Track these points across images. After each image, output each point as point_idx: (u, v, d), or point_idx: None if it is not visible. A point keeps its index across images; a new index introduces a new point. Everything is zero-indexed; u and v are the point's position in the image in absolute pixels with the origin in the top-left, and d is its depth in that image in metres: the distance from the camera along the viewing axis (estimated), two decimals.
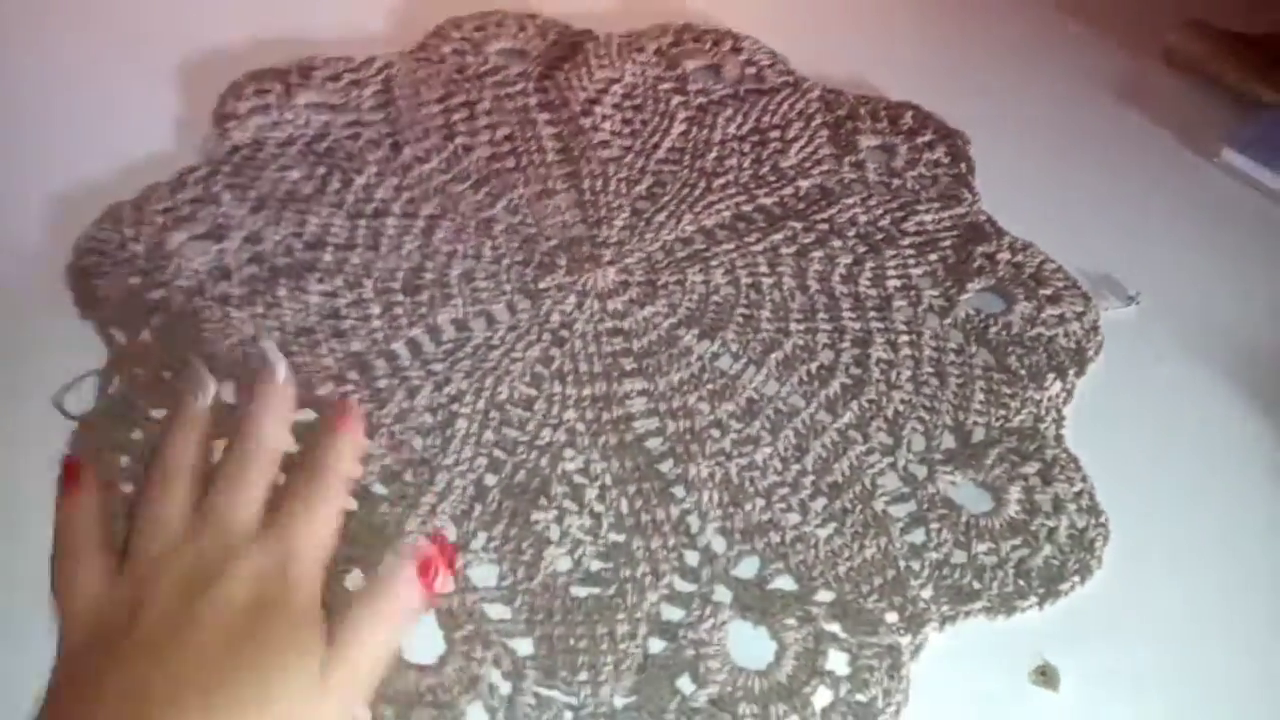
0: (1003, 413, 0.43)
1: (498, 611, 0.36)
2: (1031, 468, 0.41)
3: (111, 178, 0.50)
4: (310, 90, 0.54)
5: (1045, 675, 0.36)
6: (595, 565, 0.37)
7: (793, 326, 0.46)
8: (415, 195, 0.50)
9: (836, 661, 0.35)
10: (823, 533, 0.38)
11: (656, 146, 0.54)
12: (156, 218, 0.47)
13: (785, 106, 0.57)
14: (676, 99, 0.57)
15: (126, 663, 0.28)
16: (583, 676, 0.34)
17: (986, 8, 0.69)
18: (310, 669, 0.29)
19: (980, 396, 0.44)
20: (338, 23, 0.60)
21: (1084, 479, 0.41)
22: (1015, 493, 0.40)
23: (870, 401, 0.43)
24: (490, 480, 0.39)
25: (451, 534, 0.38)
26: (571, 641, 0.35)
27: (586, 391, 0.42)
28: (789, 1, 0.68)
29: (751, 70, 0.59)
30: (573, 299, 0.46)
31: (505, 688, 0.34)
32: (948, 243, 0.50)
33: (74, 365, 0.41)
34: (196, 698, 0.28)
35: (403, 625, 0.32)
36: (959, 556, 0.38)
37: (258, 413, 0.35)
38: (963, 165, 0.55)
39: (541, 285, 0.46)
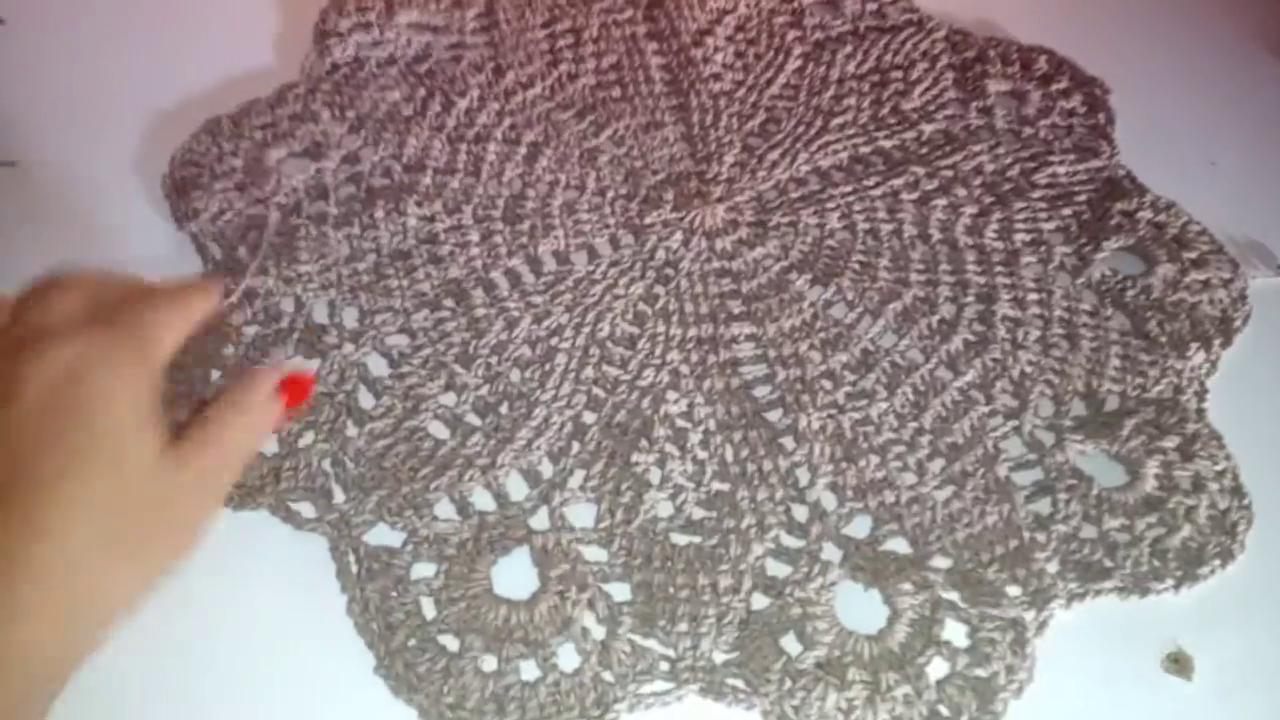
0: (1140, 381, 0.40)
1: (594, 554, 0.34)
2: (1171, 442, 0.38)
3: (211, 92, 0.49)
4: (412, 9, 0.52)
5: (1178, 663, 0.33)
6: (697, 513, 0.35)
7: (913, 277, 0.43)
8: (517, 122, 0.48)
9: (954, 632, 0.33)
10: (940, 495, 0.36)
11: (770, 82, 0.51)
12: (255, 133, 0.46)
13: (908, 46, 0.53)
14: (792, 34, 0.53)
15: None
16: (682, 628, 0.32)
17: None
18: (143, 451, 0.25)
19: (1115, 363, 0.40)
20: None
21: (1227, 457, 0.38)
22: (1153, 467, 0.37)
23: (995, 361, 0.40)
24: (589, 418, 0.38)
25: (548, 470, 0.36)
26: (671, 590, 0.33)
27: (692, 333, 0.40)
28: None
29: (873, 6, 0.55)
30: (679, 236, 0.44)
31: (599, 633, 0.32)
32: (1083, 197, 0.47)
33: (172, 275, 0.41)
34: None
35: (257, 437, 0.29)
36: (1089, 531, 0.35)
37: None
38: (1101, 115, 0.50)
39: (647, 220, 0.44)
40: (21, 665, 0.23)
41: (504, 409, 0.37)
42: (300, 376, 0.29)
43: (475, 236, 0.43)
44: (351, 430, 0.37)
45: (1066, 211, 0.46)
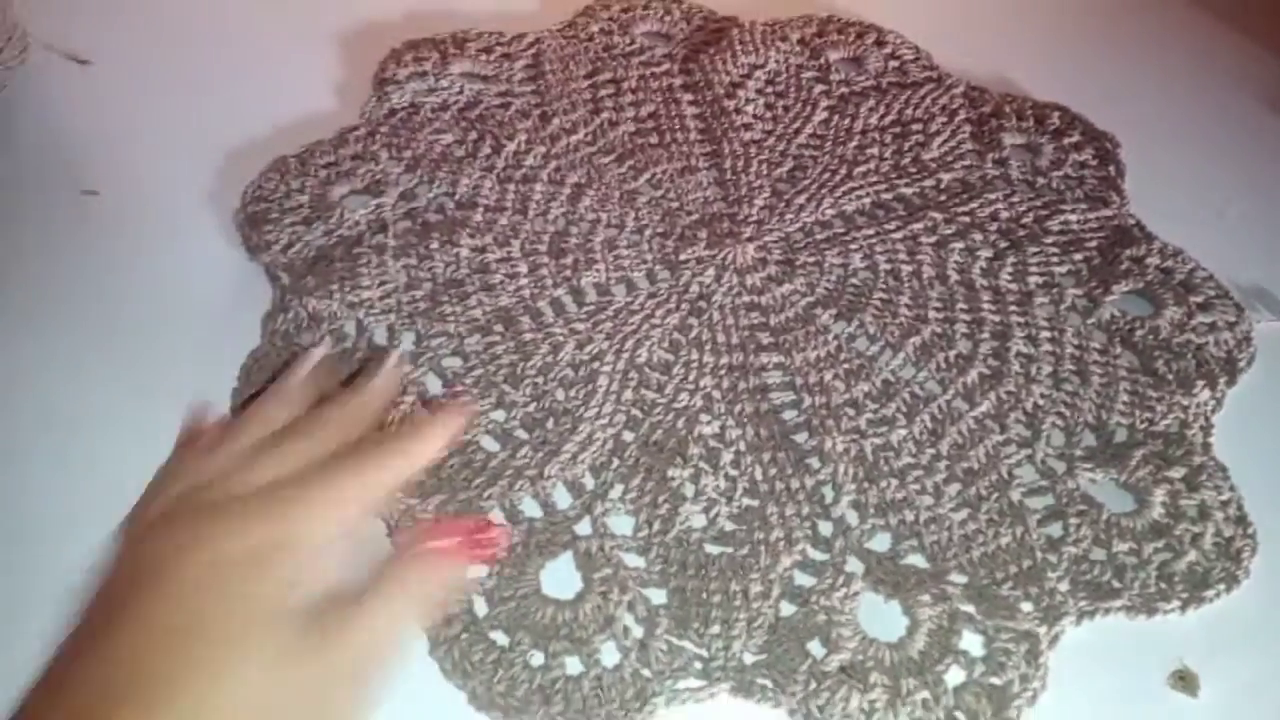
0: (1148, 415, 0.42)
1: (633, 561, 0.36)
2: (1177, 472, 0.40)
3: (278, 135, 0.52)
4: (464, 60, 0.56)
5: (1185, 680, 0.35)
6: (729, 526, 0.38)
7: (931, 314, 0.45)
8: (562, 164, 0.51)
9: (971, 643, 0.35)
10: (957, 516, 0.38)
11: (798, 132, 0.54)
12: (320, 171, 0.49)
13: (928, 101, 0.56)
14: (819, 87, 0.57)
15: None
16: (715, 630, 0.34)
17: (1136, 12, 0.67)
18: (272, 652, 0.25)
19: (1124, 398, 0.43)
20: (489, 1, 0.62)
21: (1232, 488, 0.40)
22: (1159, 495, 0.39)
23: (1009, 393, 0.42)
24: (628, 437, 0.40)
25: (590, 483, 0.39)
26: (704, 595, 0.35)
27: (724, 360, 0.43)
28: None
29: (895, 64, 0.59)
30: (712, 272, 0.47)
31: (638, 632, 0.34)
32: (1093, 243, 0.49)
33: (242, 303, 0.44)
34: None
35: (431, 604, 0.29)
36: (1098, 554, 0.37)
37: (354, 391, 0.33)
38: (1111, 168, 0.53)
39: (682, 257, 0.47)
40: None
41: (550, 424, 0.40)
42: (483, 528, 0.28)
43: (523, 268, 0.46)
44: None
45: (1078, 256, 0.49)
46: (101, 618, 0.25)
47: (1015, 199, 0.51)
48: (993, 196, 0.51)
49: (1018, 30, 0.65)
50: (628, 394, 0.41)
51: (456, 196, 0.49)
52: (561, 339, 0.43)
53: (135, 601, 0.25)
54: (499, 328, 0.44)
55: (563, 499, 0.38)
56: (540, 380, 0.42)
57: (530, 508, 0.38)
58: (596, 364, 0.42)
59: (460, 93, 0.55)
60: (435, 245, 0.46)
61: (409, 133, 0.52)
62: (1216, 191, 0.54)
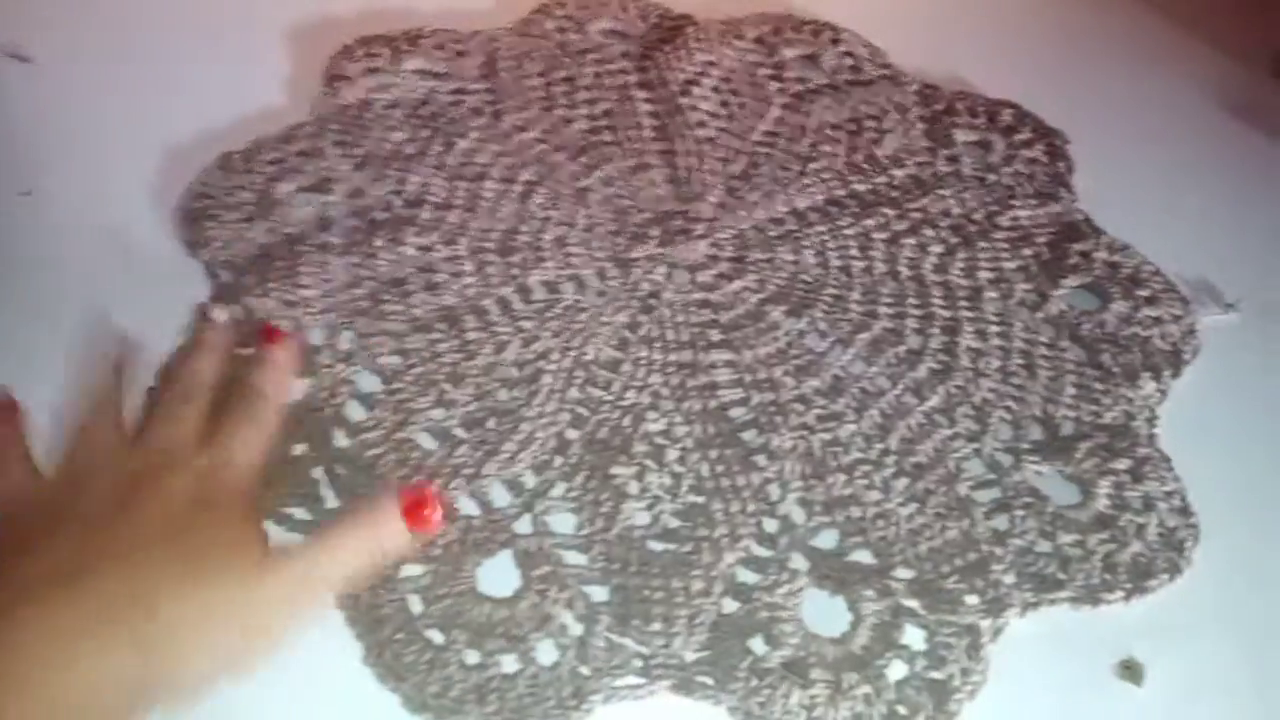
0: (1094, 409, 0.42)
1: (574, 558, 0.36)
2: (1122, 464, 0.40)
3: (225, 130, 0.51)
4: (417, 57, 0.56)
5: (1130, 669, 0.35)
6: (673, 523, 0.37)
7: (882, 310, 0.45)
8: (514, 162, 0.51)
9: (913, 637, 0.35)
10: (904, 511, 0.38)
11: (752, 129, 0.54)
12: (266, 167, 0.49)
13: (882, 99, 0.56)
14: (773, 85, 0.57)
15: (65, 530, 0.29)
16: (655, 627, 0.34)
17: (1088, 11, 0.67)
18: (243, 566, 0.30)
19: (1071, 390, 0.43)
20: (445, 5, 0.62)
21: (1176, 479, 0.40)
22: (1104, 487, 0.39)
23: (958, 388, 0.42)
24: (572, 435, 0.40)
25: (531, 481, 0.38)
26: (646, 593, 0.35)
27: (672, 357, 0.43)
28: None
29: (849, 62, 0.59)
30: (663, 269, 0.46)
31: (577, 629, 0.34)
32: (1043, 239, 0.50)
33: (182, 299, 0.43)
34: (129, 569, 0.28)
35: (378, 557, 0.31)
36: (1044, 545, 0.37)
37: (192, 354, 0.38)
38: (1061, 164, 0.54)
39: (633, 255, 0.47)
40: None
41: (491, 424, 0.40)
42: (420, 492, 0.31)
43: (470, 266, 0.45)
44: (343, 440, 0.39)
45: (1027, 252, 0.49)
46: None
47: (966, 195, 0.51)
48: (944, 193, 0.51)
49: (971, 29, 0.65)
50: (573, 392, 0.41)
51: (405, 194, 0.49)
52: (507, 337, 0.43)
53: None
54: (442, 326, 0.43)
55: (502, 498, 0.38)
56: (483, 379, 0.41)
57: (468, 506, 0.37)
58: (542, 362, 0.42)
59: (412, 90, 0.54)
60: (380, 243, 0.46)
61: (359, 130, 0.51)
62: (1165, 188, 0.55)
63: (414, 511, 0.31)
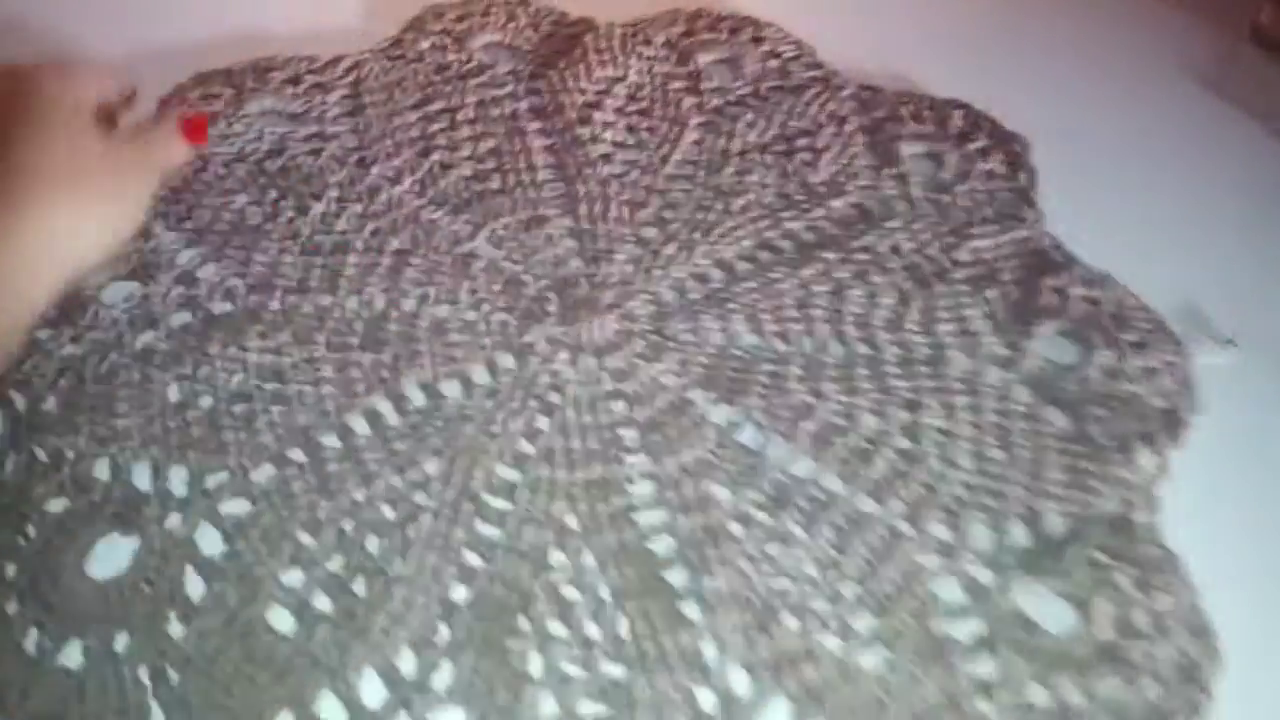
0: (1085, 497, 0.35)
1: None
2: (1125, 575, 0.33)
3: None
4: (265, 96, 0.47)
5: None
6: (588, 710, 0.30)
7: (827, 388, 0.38)
8: (382, 226, 0.42)
9: None
10: (869, 662, 0.31)
11: (665, 160, 0.46)
12: None
13: (814, 108, 0.48)
14: (689, 100, 0.49)
15: None
16: None
17: None
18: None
19: (1057, 475, 0.36)
20: (299, 14, 0.52)
21: (1188, 586, 0.33)
22: (1105, 607, 0.33)
23: (924, 485, 0.35)
24: (459, 594, 0.32)
25: (409, 665, 0.31)
26: None
27: (580, 475, 0.35)
28: None
29: (774, 64, 0.51)
30: (565, 355, 0.38)
31: None
32: (1008, 275, 0.42)
33: None
34: None
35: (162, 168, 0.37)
36: (1039, 696, 0.31)
37: None
38: (1022, 176, 0.46)
39: (527, 338, 0.39)
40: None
41: (358, 587, 0.32)
42: (196, 116, 0.39)
43: (329, 370, 0.37)
44: (176, 628, 0.31)
45: (992, 293, 0.42)
46: None
47: (918, 225, 0.44)
48: (892, 224, 0.44)
49: (914, 13, 0.57)
50: (459, 533, 0.33)
51: (249, 278, 0.40)
52: (375, 466, 0.35)
53: None
54: (296, 454, 0.35)
55: (374, 693, 0.30)
56: (348, 526, 0.33)
57: (330, 709, 0.30)
58: (420, 494, 0.34)
59: (259, 138, 0.45)
60: (216, 349, 0.37)
61: (191, 196, 0.43)
62: (1144, 193, 0.48)
63: (192, 132, 0.38)
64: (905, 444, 0.37)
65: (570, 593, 0.32)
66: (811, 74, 0.50)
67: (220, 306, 0.39)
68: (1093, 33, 0.57)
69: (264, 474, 0.34)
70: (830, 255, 0.42)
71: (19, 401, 0.36)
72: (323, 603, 0.32)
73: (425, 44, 0.50)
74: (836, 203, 0.44)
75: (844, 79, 0.50)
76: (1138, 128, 0.51)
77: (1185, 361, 0.40)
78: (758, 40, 0.52)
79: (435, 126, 0.46)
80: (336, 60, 0.49)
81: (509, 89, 0.48)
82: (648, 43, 0.51)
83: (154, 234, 0.41)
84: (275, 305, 0.39)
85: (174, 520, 0.33)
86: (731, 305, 0.40)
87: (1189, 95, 0.53)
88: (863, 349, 0.40)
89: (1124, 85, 0.54)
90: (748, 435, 0.37)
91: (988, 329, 0.40)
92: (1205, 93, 0.53)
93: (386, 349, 0.38)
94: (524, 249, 0.42)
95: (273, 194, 0.43)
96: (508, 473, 0.35)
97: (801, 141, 0.47)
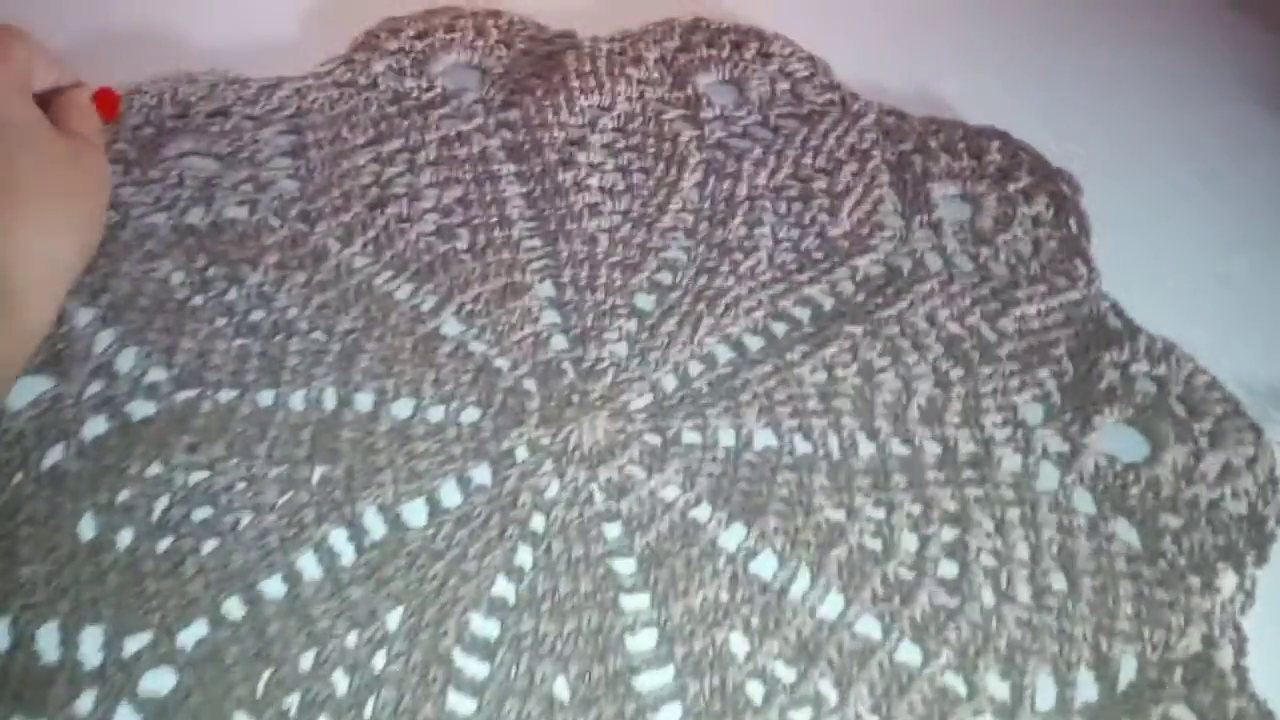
0: (1161, 634, 0.30)
1: None
2: None
3: None
4: (187, 135, 0.40)
5: None
6: None
7: (859, 502, 0.32)
8: (330, 300, 0.36)
9: None
10: None
11: (663, 209, 0.40)
12: None
13: (832, 141, 0.42)
14: (687, 133, 0.42)
15: None
16: None
17: None
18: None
19: (1127, 609, 0.31)
20: (231, 29, 0.45)
21: None
22: None
23: (974, 626, 0.30)
24: None
25: None
26: None
27: (569, 627, 0.30)
28: None
29: (784, 86, 0.44)
30: (549, 466, 0.33)
31: None
32: (1060, 348, 0.37)
33: None
34: None
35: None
36: None
37: None
38: (1071, 222, 0.41)
39: (505, 444, 0.33)
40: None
41: None
42: (107, 91, 0.38)
43: (271, 496, 0.31)
44: None
45: (1043, 373, 0.36)
46: None
47: (955, 289, 0.38)
48: (926, 288, 0.38)
49: (934, 21, 0.50)
50: (426, 710, 0.28)
51: (174, 368, 0.34)
52: (328, 624, 0.29)
53: None
54: (232, 610, 0.29)
55: None
56: (292, 704, 0.28)
57: None
58: (379, 657, 0.29)
59: (179, 184, 0.38)
60: (135, 467, 0.31)
61: (108, 263, 0.36)
62: (1212, 244, 0.42)
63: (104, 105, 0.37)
64: (951, 571, 0.31)
65: None
66: (827, 98, 0.44)
67: (142, 408, 0.33)
68: (1149, 47, 0.50)
69: (193, 635, 0.29)
70: (856, 329, 0.36)
71: None
72: None
73: (379, 66, 0.43)
74: (861, 261, 0.39)
75: (864, 103, 0.44)
76: (1201, 162, 0.45)
77: (1268, 455, 0.35)
78: (764, 57, 0.45)
79: (391, 170, 0.40)
80: (273, 86, 0.42)
81: (477, 122, 0.42)
82: (638, 62, 0.44)
83: (64, 315, 0.35)
84: (206, 406, 0.33)
85: (84, 702, 0.27)
86: (744, 395, 0.35)
87: (1259, 122, 0.47)
88: (898, 448, 0.34)
89: (1195, 112, 0.47)
90: (766, 566, 0.31)
91: (1040, 419, 0.35)
92: (1275, 117, 0.47)
93: (339, 464, 0.32)
94: (498, 327, 0.36)
95: (200, 261, 0.36)
96: (485, 626, 0.30)
97: (819, 184, 0.41)
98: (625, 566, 0.31)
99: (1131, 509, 0.33)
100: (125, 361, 0.34)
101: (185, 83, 0.41)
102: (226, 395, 0.33)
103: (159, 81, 0.41)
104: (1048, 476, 0.34)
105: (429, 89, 0.42)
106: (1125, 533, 0.33)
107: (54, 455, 0.32)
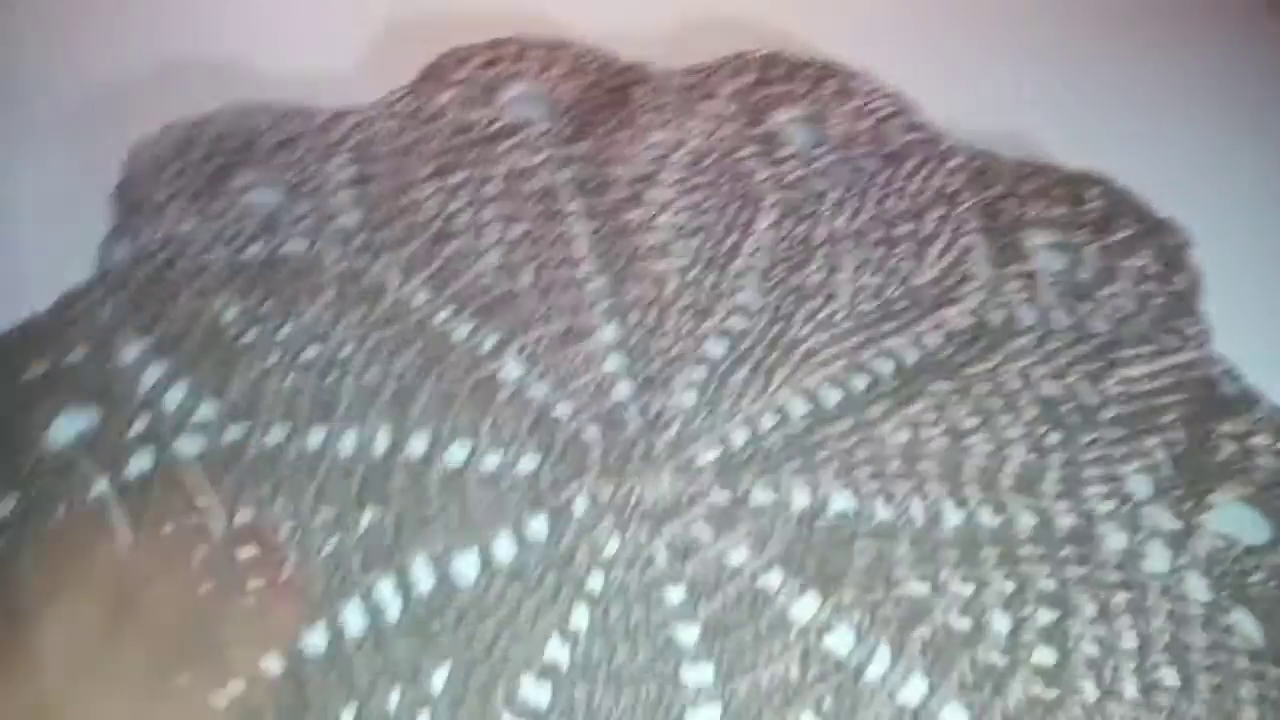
0: None
1: None
2: None
3: None
4: (252, 167, 0.39)
5: None
6: None
7: (945, 576, 0.30)
8: (385, 338, 0.35)
9: None
10: None
11: (735, 251, 0.38)
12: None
13: (916, 183, 0.40)
14: (763, 172, 0.40)
15: None
16: None
17: (1202, 14, 0.50)
18: None
19: (1251, 713, 0.28)
20: (292, 58, 0.44)
21: None
22: None
23: None
24: None
25: None
26: None
27: (626, 699, 0.27)
28: (910, 9, 0.50)
29: (866, 124, 0.42)
30: (609, 521, 0.31)
31: None
32: (1171, 415, 0.34)
33: None
34: None
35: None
36: None
37: None
38: (1180, 278, 0.38)
39: (563, 495, 0.31)
40: None
41: None
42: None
43: (318, 540, 0.30)
44: None
45: (1151, 442, 0.33)
46: None
47: (1052, 345, 0.35)
48: (1020, 345, 0.35)
49: (1027, 53, 0.48)
50: None
51: (225, 404, 0.33)
52: (369, 678, 0.27)
53: None
54: (271, 664, 0.28)
55: None
56: None
57: None
58: (424, 717, 0.27)
59: (241, 219, 0.38)
60: (170, 529, 0.30)
61: (161, 294, 0.35)
62: None
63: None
64: (1049, 659, 0.28)
65: None
66: (912, 137, 0.42)
67: (191, 445, 0.32)
68: (1261, 80, 0.47)
69: (230, 693, 0.27)
70: (943, 386, 0.34)
71: None
72: None
73: (445, 97, 0.42)
74: (948, 312, 0.36)
75: (952, 143, 0.41)
76: None
77: None
78: (844, 94, 0.43)
79: (455, 204, 0.39)
80: (339, 117, 0.41)
81: (544, 155, 0.40)
82: (711, 97, 0.42)
83: (115, 346, 0.34)
84: (252, 453, 0.32)
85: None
86: (820, 454, 0.32)
87: None
88: (988, 518, 0.31)
89: None
90: (842, 642, 0.29)
91: (1149, 493, 0.32)
92: None
93: (388, 513, 0.30)
94: (559, 372, 0.34)
95: (255, 297, 0.35)
96: (535, 692, 0.27)
97: (902, 228, 0.38)
98: (688, 635, 0.29)
99: (1253, 599, 0.30)
100: (174, 396, 0.33)
101: (252, 113, 0.41)
102: (273, 435, 0.32)
103: (225, 111, 0.40)
104: (1157, 558, 0.31)
105: (495, 121, 0.41)
106: (1246, 625, 0.29)
107: (98, 489, 0.31)
